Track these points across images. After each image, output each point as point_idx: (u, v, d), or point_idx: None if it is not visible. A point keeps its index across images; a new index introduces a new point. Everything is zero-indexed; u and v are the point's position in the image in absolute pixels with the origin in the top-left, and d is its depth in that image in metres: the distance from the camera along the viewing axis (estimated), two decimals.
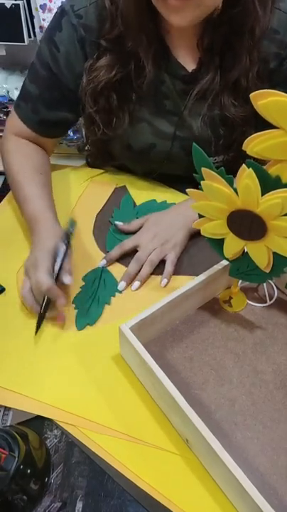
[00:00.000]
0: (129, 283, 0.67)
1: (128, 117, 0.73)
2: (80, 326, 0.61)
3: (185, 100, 0.72)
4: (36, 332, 0.60)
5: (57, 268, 0.60)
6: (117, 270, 0.69)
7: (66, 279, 0.60)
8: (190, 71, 0.70)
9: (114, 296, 0.65)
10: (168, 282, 0.67)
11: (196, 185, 0.49)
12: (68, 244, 0.62)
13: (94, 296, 0.65)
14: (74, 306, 0.64)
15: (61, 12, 0.69)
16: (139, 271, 0.68)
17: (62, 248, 0.61)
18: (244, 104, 0.69)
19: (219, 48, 0.66)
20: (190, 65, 0.70)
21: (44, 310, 0.59)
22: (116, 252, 0.70)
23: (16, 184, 0.74)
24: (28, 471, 0.45)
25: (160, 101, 0.73)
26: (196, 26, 0.64)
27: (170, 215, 0.75)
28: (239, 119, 0.70)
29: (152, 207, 0.81)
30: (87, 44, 0.69)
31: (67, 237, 0.63)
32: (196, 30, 0.66)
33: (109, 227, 0.77)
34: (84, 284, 0.67)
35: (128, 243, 0.71)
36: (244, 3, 0.60)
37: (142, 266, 0.68)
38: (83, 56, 0.70)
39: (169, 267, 0.68)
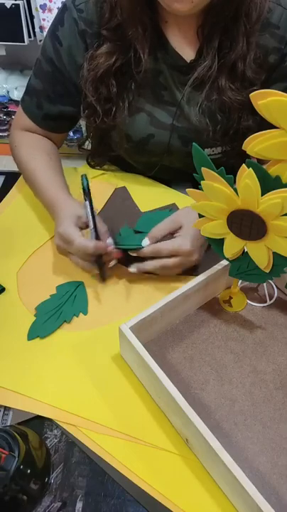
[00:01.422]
0: (153, 242, 0.63)
1: (127, 106, 0.74)
2: (31, 336, 0.60)
3: (182, 90, 0.73)
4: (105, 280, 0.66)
5: (91, 224, 0.64)
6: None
7: (108, 240, 0.64)
8: (188, 61, 0.71)
9: (77, 316, 0.63)
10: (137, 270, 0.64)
11: (196, 184, 0.49)
12: (91, 200, 0.66)
13: (57, 309, 0.63)
14: (35, 313, 0.63)
15: (63, 7, 0.72)
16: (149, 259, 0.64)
17: (87, 205, 0.65)
18: (241, 88, 0.70)
19: (218, 36, 0.66)
20: (187, 55, 0.71)
21: (101, 265, 0.64)
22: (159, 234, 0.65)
23: (28, 173, 0.77)
24: (28, 471, 0.45)
25: (159, 91, 0.74)
26: (194, 15, 0.65)
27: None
28: (236, 103, 0.71)
29: (150, 220, 0.74)
30: (88, 36, 0.70)
31: (87, 195, 0.67)
32: (194, 19, 0.67)
33: (111, 229, 0.72)
34: (55, 293, 0.65)
35: (166, 247, 0.63)
36: None
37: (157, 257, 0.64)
38: (84, 49, 0.71)
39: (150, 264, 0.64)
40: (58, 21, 0.72)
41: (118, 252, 0.64)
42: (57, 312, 0.63)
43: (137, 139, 0.79)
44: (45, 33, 1.57)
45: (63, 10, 0.71)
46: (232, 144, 0.77)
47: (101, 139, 0.85)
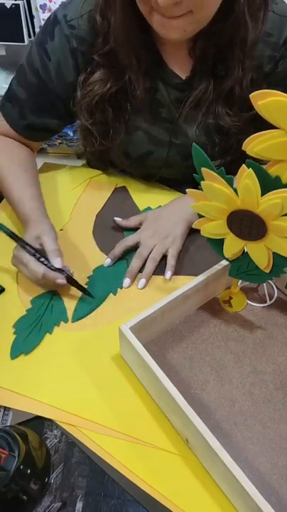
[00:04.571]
0: (133, 280, 0.68)
1: (124, 127, 0.74)
2: (14, 355, 0.58)
3: (179, 108, 0.72)
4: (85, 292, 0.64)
5: (34, 258, 0.62)
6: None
7: (55, 262, 0.62)
8: (183, 78, 0.70)
9: (58, 325, 0.61)
10: (172, 274, 0.68)
11: (195, 187, 0.49)
12: (17, 239, 0.64)
13: (37, 322, 0.62)
14: (14, 330, 0.61)
15: (53, 20, 0.69)
16: (142, 267, 0.69)
17: (21, 248, 0.63)
18: (239, 112, 0.70)
19: (211, 57, 0.66)
20: (183, 74, 0.70)
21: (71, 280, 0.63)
22: (118, 249, 0.71)
23: (6, 186, 0.75)
24: (28, 471, 0.45)
25: (156, 109, 0.73)
26: (189, 37, 0.64)
27: (167, 210, 0.76)
28: (234, 128, 0.71)
29: None
30: (79, 55, 0.69)
31: (14, 238, 0.64)
32: (189, 40, 0.66)
33: (111, 229, 0.77)
34: (30, 307, 0.64)
35: (129, 240, 0.72)
36: (235, 17, 0.60)
37: (144, 262, 0.69)
38: (75, 66, 0.70)
39: (171, 261, 0.69)
40: (48, 33, 0.69)
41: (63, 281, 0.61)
42: (37, 325, 0.61)
43: (135, 155, 0.79)
44: None
45: (54, 23, 0.68)
46: (232, 157, 0.77)
47: (99, 156, 0.85)
